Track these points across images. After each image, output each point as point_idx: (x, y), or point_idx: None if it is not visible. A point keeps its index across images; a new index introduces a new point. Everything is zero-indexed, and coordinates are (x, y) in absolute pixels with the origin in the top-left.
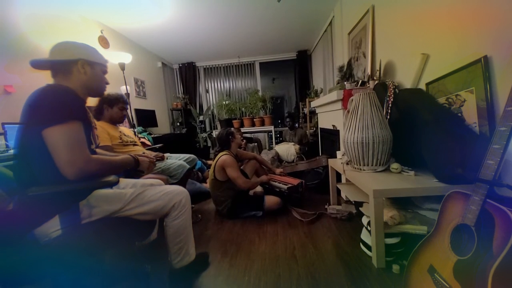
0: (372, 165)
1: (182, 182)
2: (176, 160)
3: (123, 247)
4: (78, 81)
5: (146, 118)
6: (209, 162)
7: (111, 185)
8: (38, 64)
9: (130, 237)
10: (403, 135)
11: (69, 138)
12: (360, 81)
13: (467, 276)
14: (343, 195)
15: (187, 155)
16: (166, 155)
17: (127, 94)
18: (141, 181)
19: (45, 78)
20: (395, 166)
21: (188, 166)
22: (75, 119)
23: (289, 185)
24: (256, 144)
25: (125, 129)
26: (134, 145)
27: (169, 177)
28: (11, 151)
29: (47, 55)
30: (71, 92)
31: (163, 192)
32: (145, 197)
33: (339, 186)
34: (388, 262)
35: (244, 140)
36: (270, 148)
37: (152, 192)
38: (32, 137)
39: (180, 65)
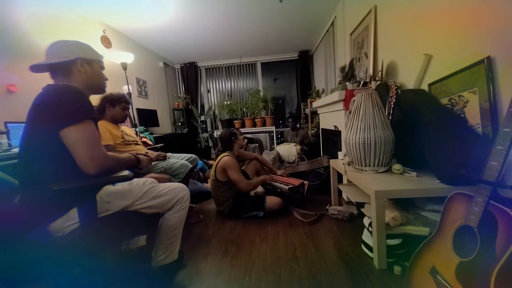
0: (374, 166)
1: (184, 181)
2: (178, 159)
3: (132, 238)
4: (79, 80)
5: (147, 118)
6: (210, 162)
7: (128, 179)
8: (38, 68)
9: (139, 229)
10: (405, 136)
11: (89, 136)
12: (362, 81)
13: (470, 278)
14: (344, 196)
15: (188, 155)
16: (168, 154)
17: (129, 94)
18: (143, 179)
19: (47, 78)
20: (397, 167)
21: (190, 166)
22: (90, 118)
23: (290, 186)
24: (257, 144)
25: (126, 129)
26: (136, 144)
27: (172, 176)
28: (14, 150)
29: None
30: (81, 92)
31: (169, 188)
32: (153, 193)
33: (340, 187)
34: (390, 263)
35: (246, 140)
36: (272, 149)
37: (160, 188)
38: (46, 137)
39: (182, 65)
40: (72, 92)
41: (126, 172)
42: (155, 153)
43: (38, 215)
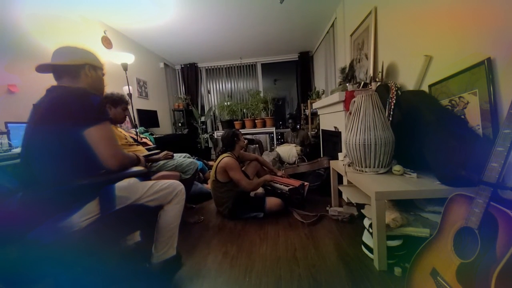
0: (374, 167)
1: (192, 178)
2: (185, 158)
3: (133, 232)
4: (84, 83)
5: (148, 119)
6: (211, 163)
7: (144, 174)
8: (45, 68)
9: (138, 224)
10: (405, 137)
11: (109, 136)
12: (362, 82)
13: (470, 279)
14: (344, 197)
15: (183, 154)
16: None
17: (129, 95)
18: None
19: (47, 79)
20: (397, 168)
21: (198, 163)
22: (108, 119)
23: (291, 187)
24: (257, 145)
25: (122, 131)
26: (137, 145)
27: (182, 173)
28: (15, 150)
29: (49, 56)
30: (99, 96)
31: (168, 183)
32: (156, 187)
33: (340, 188)
34: (390, 265)
35: (246, 141)
36: (272, 150)
37: (161, 183)
38: (66, 136)
39: (182, 66)
40: (91, 95)
41: (141, 168)
42: (163, 153)
43: (38, 215)
